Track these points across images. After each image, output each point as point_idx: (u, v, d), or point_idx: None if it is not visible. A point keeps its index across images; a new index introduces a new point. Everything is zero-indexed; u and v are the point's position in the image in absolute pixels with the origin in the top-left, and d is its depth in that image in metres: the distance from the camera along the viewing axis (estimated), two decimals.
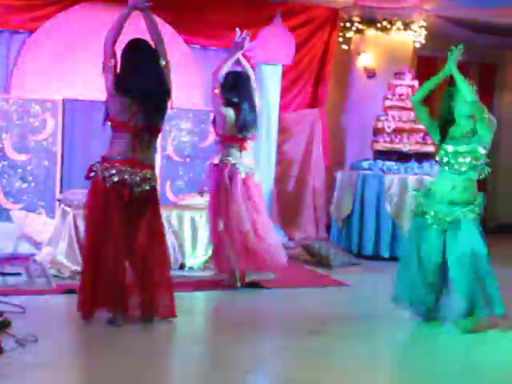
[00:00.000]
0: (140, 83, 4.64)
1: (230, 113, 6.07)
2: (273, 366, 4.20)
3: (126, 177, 4.63)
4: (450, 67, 5.27)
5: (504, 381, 4.04)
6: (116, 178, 4.62)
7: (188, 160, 8.08)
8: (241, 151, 6.14)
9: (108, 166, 4.64)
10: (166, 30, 7.97)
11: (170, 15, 8.07)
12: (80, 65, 7.53)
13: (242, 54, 6.32)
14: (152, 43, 4.77)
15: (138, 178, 4.67)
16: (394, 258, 7.87)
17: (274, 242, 6.22)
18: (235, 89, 6.12)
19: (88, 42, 7.41)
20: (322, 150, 9.35)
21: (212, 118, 6.45)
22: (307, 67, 9.16)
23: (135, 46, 4.75)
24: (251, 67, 6.45)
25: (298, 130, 9.24)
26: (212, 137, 7.87)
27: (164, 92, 4.77)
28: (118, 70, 4.69)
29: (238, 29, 6.22)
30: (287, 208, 9.15)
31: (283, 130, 8.99)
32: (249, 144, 6.21)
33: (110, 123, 4.74)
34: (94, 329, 4.64)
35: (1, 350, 3.99)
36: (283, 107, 8.90)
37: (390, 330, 5.06)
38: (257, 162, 6.58)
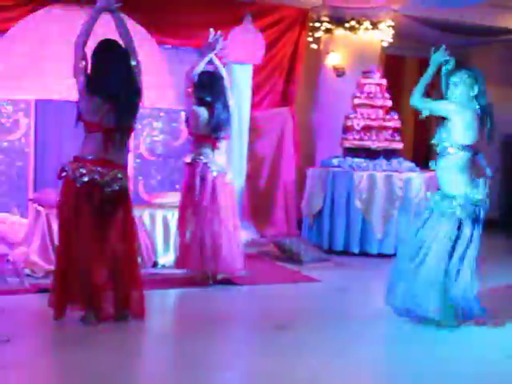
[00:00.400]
0: (111, 84, 4.64)
1: (203, 112, 6.08)
2: (243, 362, 4.23)
3: (97, 177, 4.62)
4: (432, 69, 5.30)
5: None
6: (86, 178, 4.60)
7: (161, 159, 8.08)
8: (213, 150, 6.15)
9: (79, 165, 4.63)
10: (138, 31, 7.95)
11: (142, 16, 8.04)
12: (52, 65, 7.47)
13: (215, 54, 6.34)
14: (122, 44, 4.77)
15: (108, 178, 4.66)
16: (363, 254, 7.98)
17: (238, 248, 6.24)
18: (208, 88, 6.13)
19: (60, 42, 7.35)
20: (293, 147, 9.39)
21: (185, 117, 6.45)
22: (277, 66, 9.19)
23: (105, 46, 4.74)
24: (224, 67, 6.46)
25: (269, 129, 9.27)
26: (185, 136, 7.90)
27: (135, 92, 4.77)
28: (89, 71, 4.69)
29: (211, 29, 6.25)
30: (259, 205, 9.18)
31: (254, 128, 9.02)
32: (221, 143, 6.23)
33: (81, 123, 4.73)
34: (68, 328, 4.64)
35: None
36: (254, 106, 8.92)
37: (359, 325, 5.07)
38: (229, 161, 6.60)
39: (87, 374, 3.78)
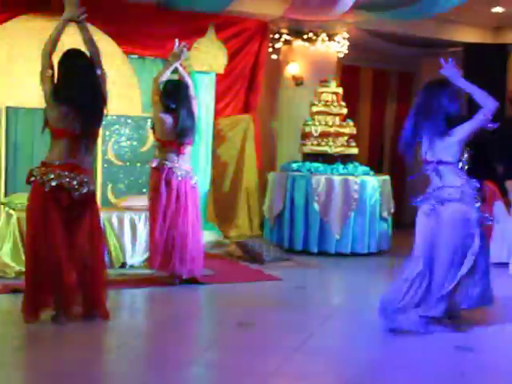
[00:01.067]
0: (76, 92, 4.60)
1: (168, 119, 6.06)
2: (207, 357, 4.21)
3: (64, 181, 4.59)
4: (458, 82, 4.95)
5: None
6: (54, 183, 4.57)
7: (128, 164, 8.03)
8: (178, 155, 6.13)
9: (47, 170, 4.59)
10: (106, 41, 7.92)
11: (110, 27, 8.01)
12: (22, 74, 7.42)
13: (180, 64, 6.34)
14: (88, 54, 4.74)
15: (75, 182, 4.62)
16: (322, 253, 8.02)
17: (200, 249, 6.23)
18: (173, 96, 6.11)
19: (29, 52, 7.29)
20: (255, 152, 9.41)
21: (151, 123, 6.43)
22: (240, 75, 9.21)
23: (71, 56, 4.71)
24: (188, 76, 6.45)
25: (232, 135, 9.28)
26: (151, 142, 7.87)
27: (100, 100, 4.73)
28: (56, 80, 4.65)
29: (176, 40, 6.24)
30: (223, 207, 9.19)
31: (218, 134, 9.03)
32: (186, 149, 6.21)
33: (48, 130, 4.69)
34: (39, 327, 4.58)
35: None
36: (218, 113, 8.92)
37: (318, 320, 5.10)
38: (194, 165, 6.59)
39: (57, 371, 3.74)
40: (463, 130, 4.67)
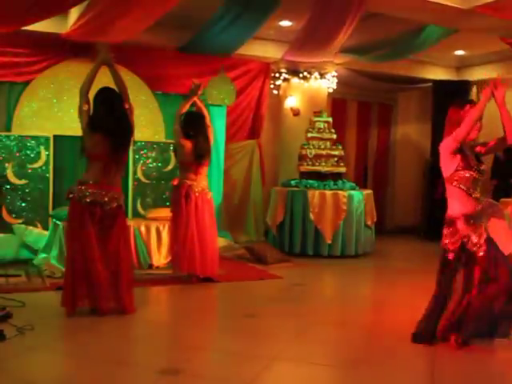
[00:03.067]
0: (108, 123, 4.63)
1: (188, 144, 6.08)
2: (219, 343, 4.20)
3: (97, 197, 4.61)
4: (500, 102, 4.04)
5: None
6: (89, 199, 4.60)
7: (154, 182, 8.04)
8: (196, 175, 6.13)
9: (83, 188, 4.61)
10: (135, 80, 7.97)
11: (138, 68, 8.05)
12: (67, 108, 7.47)
13: (197, 98, 6.36)
14: (117, 90, 4.76)
15: (106, 198, 4.64)
16: (317, 255, 7.98)
17: (215, 253, 6.20)
18: (192, 125, 6.13)
19: (71, 90, 7.35)
20: (260, 171, 9.40)
21: (173, 148, 6.44)
22: (246, 107, 9.21)
23: (104, 93, 4.73)
24: (204, 108, 6.47)
25: (241, 157, 9.27)
26: (173, 163, 7.89)
27: (127, 129, 4.75)
28: (91, 113, 4.67)
29: (194, 79, 6.27)
30: (233, 217, 9.16)
31: (229, 157, 9.02)
32: (203, 169, 6.21)
33: (85, 154, 4.71)
34: (78, 319, 4.58)
35: (4, 336, 3.94)
36: (228, 139, 8.91)
37: (314, 312, 5.08)
38: (209, 182, 6.59)
39: (95, 355, 3.74)
40: None
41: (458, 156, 4.02)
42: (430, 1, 6.39)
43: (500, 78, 4.02)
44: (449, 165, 4.06)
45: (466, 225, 4.00)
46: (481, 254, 3.95)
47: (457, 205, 4.08)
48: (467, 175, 4.01)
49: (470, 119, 3.90)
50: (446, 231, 4.12)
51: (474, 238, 3.98)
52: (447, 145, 4.03)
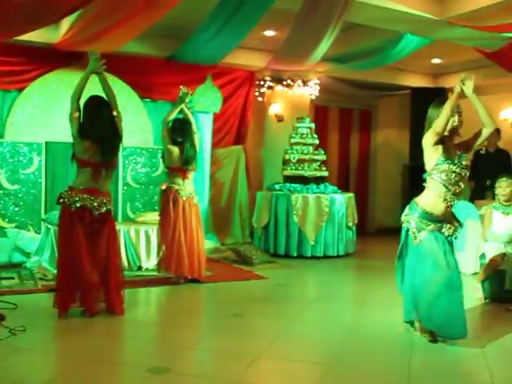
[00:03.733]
0: (97, 130, 4.62)
1: (175, 150, 6.08)
2: (207, 341, 4.20)
3: (87, 202, 4.60)
4: (470, 94, 4.12)
5: None
6: (79, 204, 4.59)
7: (143, 186, 8.03)
8: (183, 179, 6.13)
9: (73, 194, 4.61)
10: (124, 88, 7.95)
11: (127, 76, 8.03)
12: (58, 115, 7.43)
13: (185, 105, 6.36)
14: (106, 98, 4.75)
15: (96, 203, 4.64)
16: (300, 256, 8.01)
17: (201, 255, 6.20)
18: (179, 132, 6.13)
19: (63, 97, 7.30)
20: (246, 175, 9.41)
21: (161, 154, 6.43)
22: (232, 114, 9.22)
23: (93, 101, 4.72)
24: (191, 115, 6.48)
25: (227, 162, 9.27)
26: (161, 168, 7.88)
27: (116, 136, 4.75)
28: (81, 120, 4.66)
29: (181, 86, 6.27)
30: (220, 220, 9.16)
31: (216, 161, 9.03)
32: (190, 174, 6.21)
33: (75, 160, 4.70)
34: (69, 320, 4.56)
35: None
36: (215, 144, 8.92)
37: (297, 311, 5.09)
38: (196, 187, 6.59)
39: (85, 355, 3.73)
40: None
41: (440, 148, 4.07)
42: (406, 12, 6.46)
43: (465, 76, 4.17)
44: (431, 157, 4.11)
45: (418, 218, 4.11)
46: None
47: (427, 199, 4.15)
48: (447, 167, 4.05)
49: (445, 111, 3.99)
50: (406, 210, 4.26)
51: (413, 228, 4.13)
52: (428, 138, 4.09)
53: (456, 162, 4.09)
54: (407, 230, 4.23)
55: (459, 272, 4.09)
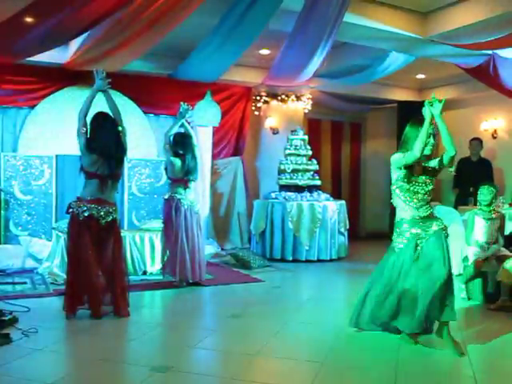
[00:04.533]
0: (104, 144, 4.66)
1: (177, 161, 6.10)
2: (208, 341, 4.21)
3: (94, 212, 4.63)
4: (436, 116, 3.91)
5: None
6: (86, 213, 4.62)
7: (147, 196, 8.06)
8: (185, 189, 6.15)
9: (81, 204, 4.64)
10: (129, 104, 8.01)
11: (132, 93, 8.10)
12: (67, 130, 7.44)
13: (185, 120, 6.40)
14: (112, 114, 4.79)
15: (102, 213, 4.66)
16: (295, 260, 8.02)
17: (202, 260, 6.21)
18: (181, 144, 6.15)
19: (72, 113, 7.34)
20: (244, 185, 9.45)
21: (164, 165, 6.46)
22: (231, 127, 9.27)
23: (99, 117, 4.75)
24: (192, 128, 6.51)
25: (226, 172, 9.31)
26: (164, 179, 7.91)
27: (121, 150, 4.78)
28: (89, 135, 4.69)
29: (182, 102, 6.31)
30: (220, 227, 9.18)
31: (215, 172, 9.06)
32: (191, 184, 6.23)
33: (83, 172, 4.73)
34: (79, 322, 4.58)
35: (10, 339, 3.94)
36: (214, 156, 8.96)
37: (292, 312, 5.12)
38: (197, 196, 6.61)
39: (93, 355, 3.75)
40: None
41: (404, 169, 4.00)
42: (391, 31, 6.52)
43: (433, 98, 3.98)
44: (394, 175, 4.07)
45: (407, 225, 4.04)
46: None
47: (401, 210, 4.10)
48: (411, 188, 4.00)
49: (421, 138, 3.86)
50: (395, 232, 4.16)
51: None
52: (398, 159, 4.01)
53: (420, 179, 4.00)
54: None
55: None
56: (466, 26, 6.22)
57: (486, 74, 7.66)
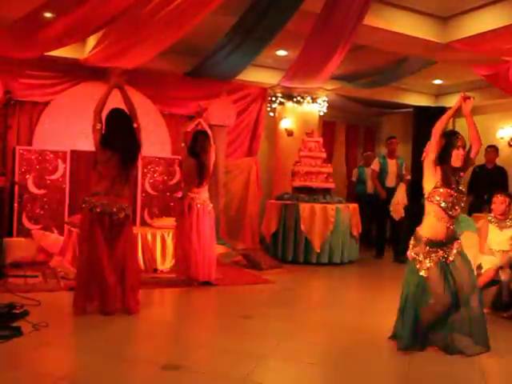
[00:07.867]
0: (119, 140, 4.65)
1: (192, 161, 6.10)
2: (217, 341, 4.19)
3: (107, 208, 4.62)
4: (467, 112, 4.00)
5: None
6: (99, 209, 4.61)
7: (160, 193, 8.07)
8: (199, 188, 6.14)
9: (94, 199, 4.62)
10: (145, 101, 8.01)
11: (148, 90, 8.11)
12: (82, 125, 7.49)
13: (201, 119, 6.39)
14: (127, 111, 4.78)
15: (115, 209, 4.65)
16: (307, 262, 7.99)
17: (213, 260, 6.19)
18: (196, 143, 6.16)
19: (87, 109, 7.36)
20: (256, 186, 9.43)
21: (179, 163, 6.45)
22: (245, 128, 9.26)
23: (115, 113, 4.74)
24: (209, 129, 6.50)
25: (239, 172, 9.31)
26: (177, 177, 7.92)
27: (135, 146, 4.77)
28: (103, 131, 4.69)
29: (200, 103, 6.32)
30: (232, 227, 9.18)
31: (229, 172, 9.05)
32: (205, 183, 6.22)
33: (97, 168, 4.72)
34: (89, 317, 4.57)
35: (21, 332, 3.94)
36: (228, 156, 8.96)
37: (302, 313, 5.09)
38: (210, 195, 6.59)
39: (102, 350, 3.74)
40: None
41: (439, 174, 3.95)
42: (410, 35, 6.47)
43: (468, 94, 4.03)
44: (428, 181, 4.00)
45: (424, 246, 3.97)
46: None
47: (428, 224, 4.01)
48: (445, 192, 3.93)
49: (436, 128, 3.89)
50: (412, 242, 4.09)
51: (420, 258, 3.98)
52: (425, 161, 4.02)
53: (453, 186, 3.97)
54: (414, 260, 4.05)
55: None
56: (487, 32, 6.14)
57: (504, 81, 7.57)
